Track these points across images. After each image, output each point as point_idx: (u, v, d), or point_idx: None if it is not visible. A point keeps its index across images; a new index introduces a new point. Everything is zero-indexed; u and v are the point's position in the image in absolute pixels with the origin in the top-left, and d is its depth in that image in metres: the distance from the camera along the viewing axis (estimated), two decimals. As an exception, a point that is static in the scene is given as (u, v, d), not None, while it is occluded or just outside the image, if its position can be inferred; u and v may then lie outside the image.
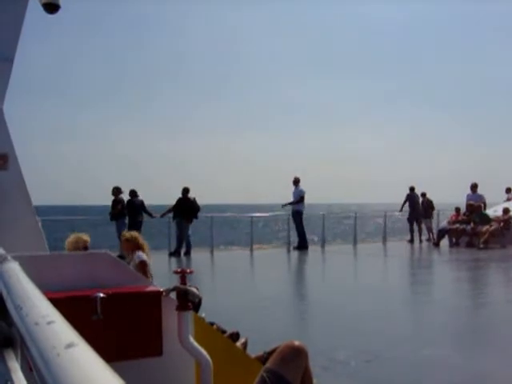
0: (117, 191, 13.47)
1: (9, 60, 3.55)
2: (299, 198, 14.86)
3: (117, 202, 13.37)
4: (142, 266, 4.62)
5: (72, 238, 4.60)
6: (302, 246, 14.70)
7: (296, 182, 15.06)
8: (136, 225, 13.30)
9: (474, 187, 16.20)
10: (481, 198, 15.99)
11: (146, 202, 13.86)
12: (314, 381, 2.60)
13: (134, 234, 5.24)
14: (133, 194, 13.78)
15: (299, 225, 14.86)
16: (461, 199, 16.51)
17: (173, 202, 13.96)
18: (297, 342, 2.52)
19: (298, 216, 14.86)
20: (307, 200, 15.30)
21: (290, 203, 14.96)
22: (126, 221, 13.37)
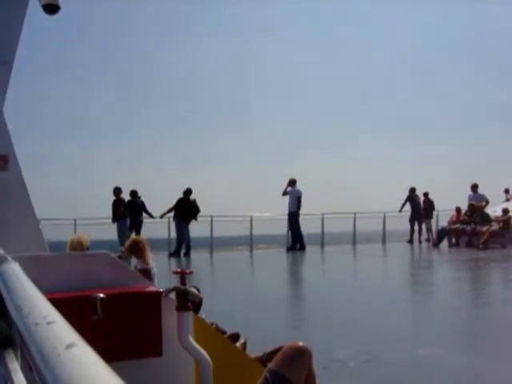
0: (118, 191, 13.51)
1: (8, 64, 3.51)
2: (296, 200, 14.77)
3: (118, 201, 13.39)
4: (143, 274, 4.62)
5: (75, 238, 4.56)
6: (300, 247, 14.65)
7: (292, 182, 14.77)
8: (136, 225, 13.34)
9: (474, 187, 16.19)
10: (482, 197, 15.99)
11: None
12: (316, 381, 2.60)
13: (129, 242, 5.15)
14: (133, 194, 13.78)
15: (295, 226, 14.81)
16: (462, 202, 16.47)
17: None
18: (300, 343, 2.52)
19: (293, 217, 14.81)
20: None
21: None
22: (128, 222, 13.39)
